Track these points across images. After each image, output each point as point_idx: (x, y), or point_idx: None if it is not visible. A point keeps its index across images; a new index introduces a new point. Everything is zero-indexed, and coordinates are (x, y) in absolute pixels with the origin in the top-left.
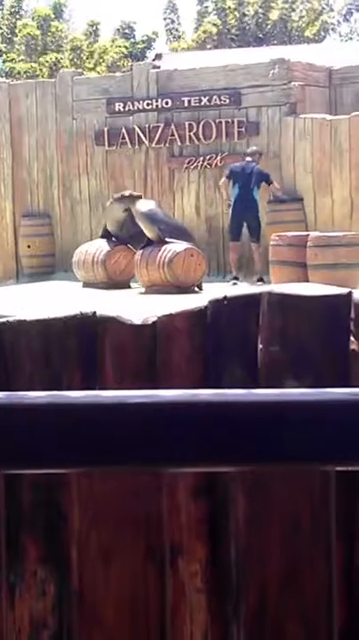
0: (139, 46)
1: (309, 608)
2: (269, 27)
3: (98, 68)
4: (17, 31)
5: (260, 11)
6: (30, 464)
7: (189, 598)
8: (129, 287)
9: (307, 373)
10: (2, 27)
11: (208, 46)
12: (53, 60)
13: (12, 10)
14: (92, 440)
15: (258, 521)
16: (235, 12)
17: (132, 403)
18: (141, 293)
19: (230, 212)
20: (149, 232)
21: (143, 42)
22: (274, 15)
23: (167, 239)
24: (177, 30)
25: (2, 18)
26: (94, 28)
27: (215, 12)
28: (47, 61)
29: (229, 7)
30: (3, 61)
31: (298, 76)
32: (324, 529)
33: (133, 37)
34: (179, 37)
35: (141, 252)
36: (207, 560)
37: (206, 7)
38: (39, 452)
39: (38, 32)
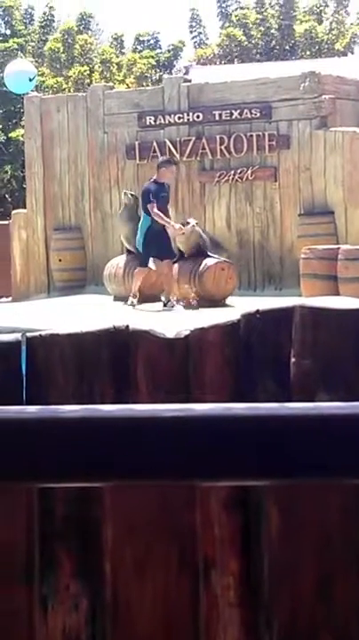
0: (165, 55)
1: (341, 621)
2: (296, 39)
3: (127, 80)
4: (44, 46)
5: (285, 23)
6: (64, 478)
7: (222, 612)
8: (160, 300)
9: (338, 387)
10: (33, 41)
11: (234, 57)
12: (77, 73)
13: (43, 24)
14: (125, 454)
15: (290, 534)
16: (260, 27)
17: (165, 416)
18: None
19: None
20: (191, 247)
21: (169, 51)
22: (300, 28)
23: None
24: (204, 43)
25: (33, 32)
26: (119, 40)
27: (239, 27)
28: (72, 75)
29: (253, 22)
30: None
31: (328, 89)
32: (357, 540)
33: (159, 47)
34: (206, 45)
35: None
36: (240, 573)
37: (231, 21)
38: (72, 466)
39: (60, 45)
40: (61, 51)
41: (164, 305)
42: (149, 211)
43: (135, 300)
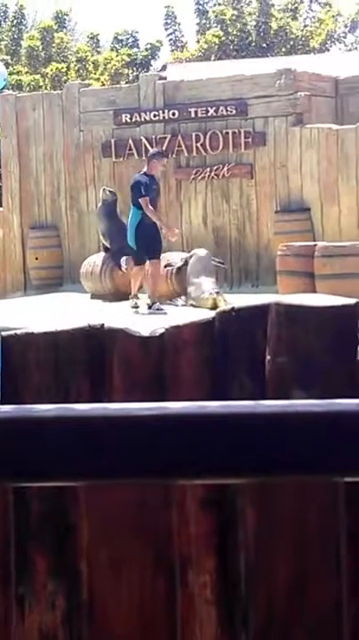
0: (142, 54)
1: (317, 619)
2: (272, 37)
3: (102, 78)
4: (22, 43)
5: (261, 20)
6: (38, 477)
7: (199, 609)
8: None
9: (314, 384)
10: (5, 39)
11: (212, 56)
12: (55, 71)
13: (15, 22)
14: (100, 452)
15: (266, 532)
16: (236, 23)
17: (141, 415)
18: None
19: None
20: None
21: (146, 50)
22: (275, 25)
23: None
24: (180, 41)
25: (7, 30)
26: (95, 39)
27: (216, 24)
28: (49, 72)
29: (230, 18)
30: (9, 74)
31: (304, 86)
32: (333, 540)
33: (137, 46)
34: (183, 47)
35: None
36: (216, 572)
37: (207, 18)
38: (47, 464)
39: (39, 44)
40: (40, 49)
41: (149, 307)
42: (141, 204)
43: (138, 302)
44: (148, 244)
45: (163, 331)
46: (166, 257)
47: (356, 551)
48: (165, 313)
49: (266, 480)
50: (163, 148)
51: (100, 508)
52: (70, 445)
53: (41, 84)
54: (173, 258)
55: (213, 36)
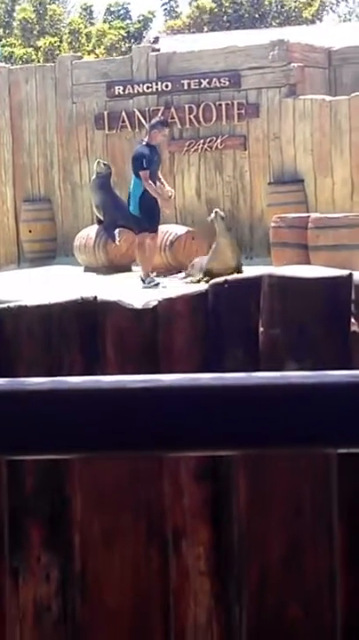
0: (135, 26)
1: (310, 592)
2: (265, 8)
3: (97, 51)
4: (15, 15)
5: None
6: (32, 450)
7: (193, 581)
8: (130, 271)
9: (307, 356)
10: None
11: (204, 27)
12: (48, 44)
13: None
14: (94, 425)
15: (259, 503)
16: None
17: (133, 387)
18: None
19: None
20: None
21: (139, 22)
22: None
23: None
24: (174, 11)
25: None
26: (88, 10)
27: None
28: (43, 46)
29: None
30: (2, 46)
31: (297, 57)
32: (326, 511)
33: (129, 18)
34: (177, 16)
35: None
36: (210, 543)
37: None
38: (41, 438)
39: (34, 16)
40: (34, 22)
41: (143, 281)
42: (141, 177)
43: (155, 278)
44: (150, 215)
45: (155, 303)
46: (165, 229)
47: (349, 523)
48: (165, 287)
49: (259, 452)
50: (165, 118)
51: (94, 480)
52: (63, 418)
53: (33, 57)
54: (175, 230)
55: (205, 2)
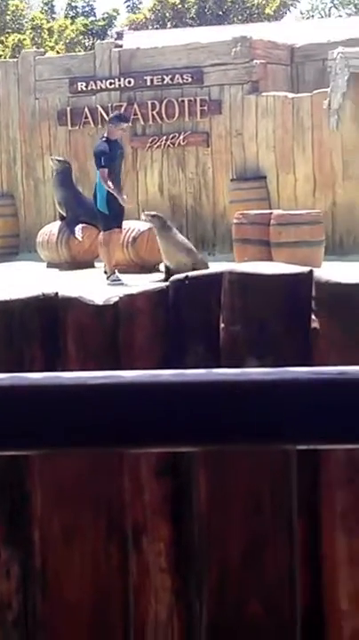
0: (99, 24)
1: (270, 589)
2: (228, 5)
3: (57, 47)
4: None
5: None
6: None
7: (153, 578)
8: (93, 267)
9: (268, 352)
10: None
11: (167, 23)
12: (16, 40)
13: None
14: (53, 422)
15: (219, 500)
16: None
17: (94, 384)
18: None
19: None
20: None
21: (104, 19)
22: None
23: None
24: (138, 8)
25: None
26: (50, 5)
27: None
28: (10, 42)
29: None
30: None
31: (259, 53)
32: (286, 507)
33: (93, 15)
34: (139, 11)
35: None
36: (171, 539)
37: None
38: (0, 433)
39: None
40: None
41: (108, 277)
42: (99, 175)
43: (118, 275)
44: (117, 212)
45: (116, 299)
46: (127, 225)
47: (308, 519)
48: (124, 284)
49: (219, 448)
50: (125, 113)
51: (53, 476)
52: (23, 414)
53: (1, 52)
54: (137, 226)
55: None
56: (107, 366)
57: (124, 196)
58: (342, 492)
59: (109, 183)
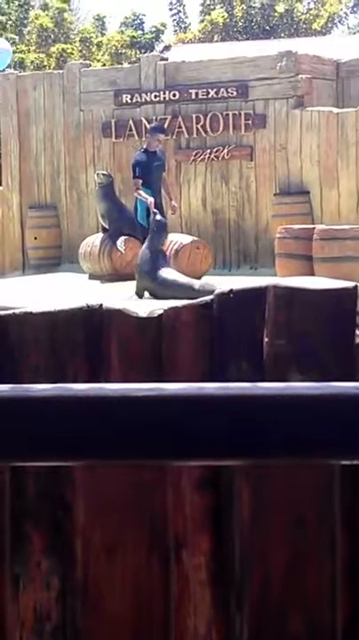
0: (146, 37)
1: (312, 602)
2: (276, 19)
3: (102, 59)
4: (27, 22)
5: (267, 2)
6: (35, 457)
7: (193, 591)
8: (134, 279)
9: (312, 367)
10: (12, 18)
11: (215, 38)
12: (60, 50)
13: (22, 1)
14: (98, 433)
15: (261, 514)
16: (242, 5)
17: (138, 396)
18: None
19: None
20: None
21: (151, 33)
22: (280, 8)
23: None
24: (184, 22)
25: (14, 10)
26: (101, 21)
27: (221, 5)
28: (54, 52)
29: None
30: (14, 52)
31: (305, 68)
32: (328, 522)
33: (142, 29)
34: (186, 28)
35: None
36: (211, 553)
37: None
38: (44, 444)
39: (51, 24)
40: (51, 29)
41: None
42: (139, 184)
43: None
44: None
45: (161, 312)
46: (170, 238)
47: (351, 534)
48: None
49: (262, 462)
50: (161, 123)
51: (96, 487)
52: (67, 425)
53: (45, 62)
54: (180, 239)
55: (218, 15)
56: (150, 379)
57: (173, 203)
58: None
59: (142, 193)
